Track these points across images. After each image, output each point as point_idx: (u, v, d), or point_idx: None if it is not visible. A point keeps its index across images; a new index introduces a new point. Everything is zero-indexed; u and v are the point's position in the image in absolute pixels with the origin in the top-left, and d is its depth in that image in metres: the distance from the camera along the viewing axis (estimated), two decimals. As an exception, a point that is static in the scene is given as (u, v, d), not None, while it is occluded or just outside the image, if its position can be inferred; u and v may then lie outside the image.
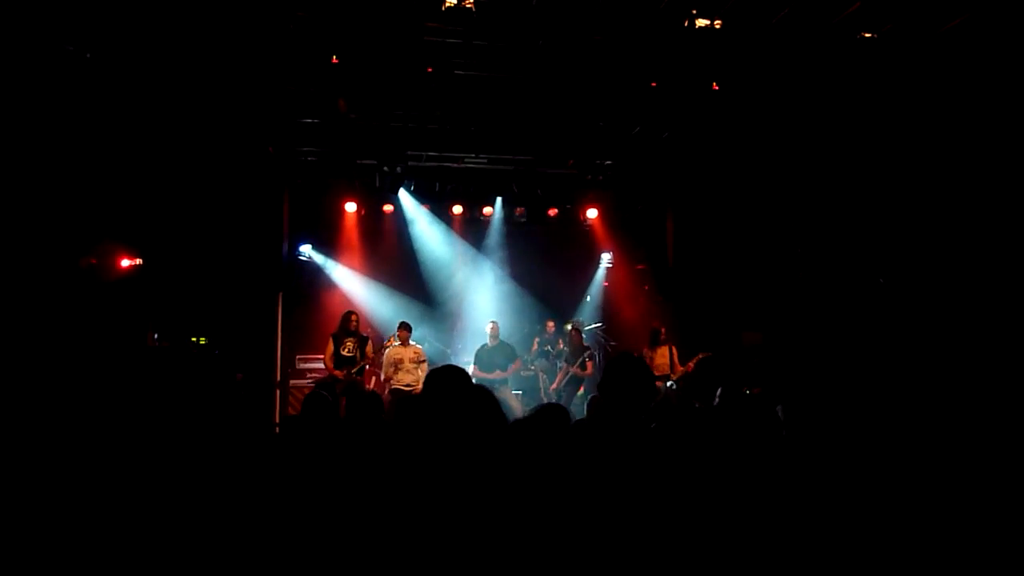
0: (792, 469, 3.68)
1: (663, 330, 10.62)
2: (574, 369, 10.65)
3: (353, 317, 9.96)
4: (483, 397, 2.92)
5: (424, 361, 10.27)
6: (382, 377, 10.49)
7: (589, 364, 10.91)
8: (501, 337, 10.72)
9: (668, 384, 10.22)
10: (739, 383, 9.79)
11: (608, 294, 13.28)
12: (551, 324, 11.97)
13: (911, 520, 3.24)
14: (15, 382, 7.26)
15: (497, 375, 10.27)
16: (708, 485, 3.02)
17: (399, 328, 10.32)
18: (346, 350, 9.74)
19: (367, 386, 10.67)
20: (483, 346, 10.63)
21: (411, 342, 10.31)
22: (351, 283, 12.24)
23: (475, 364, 10.49)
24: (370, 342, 10.02)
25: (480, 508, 2.35)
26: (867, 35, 7.91)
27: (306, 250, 11.94)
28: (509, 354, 10.61)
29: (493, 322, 10.73)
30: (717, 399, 5.55)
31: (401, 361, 10.15)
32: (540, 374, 11.46)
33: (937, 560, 3.04)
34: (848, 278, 10.30)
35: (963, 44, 7.87)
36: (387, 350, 10.24)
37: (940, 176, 9.18)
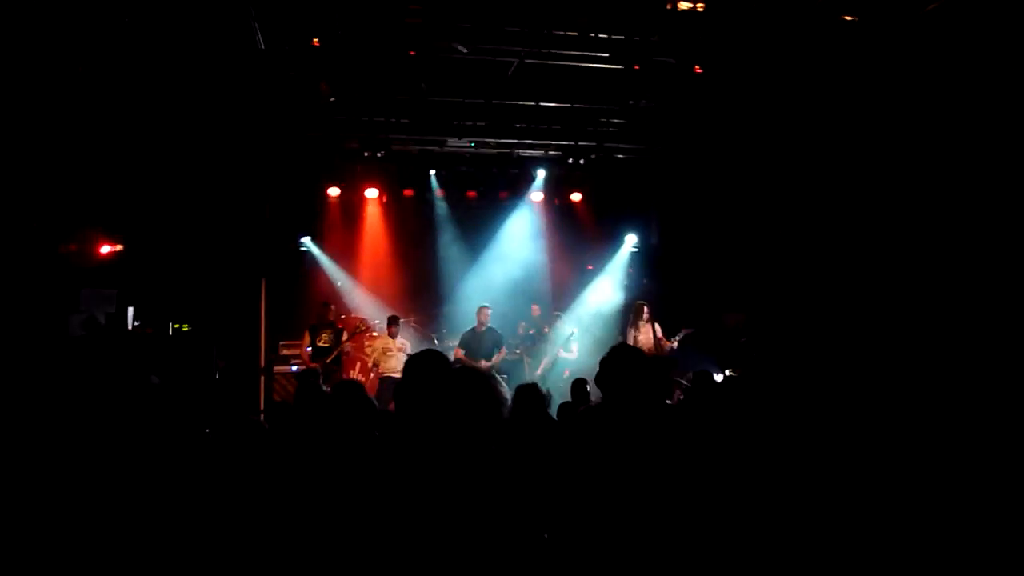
0: (773, 452, 3.72)
1: (646, 308, 10.54)
2: (561, 352, 10.69)
3: (330, 307, 9.96)
4: (470, 380, 2.91)
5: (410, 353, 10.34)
6: (369, 364, 10.49)
7: (574, 346, 10.93)
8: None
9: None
10: (720, 364, 9.86)
11: (591, 276, 13.31)
12: (536, 308, 11.98)
13: (895, 502, 3.29)
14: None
15: (482, 364, 10.22)
16: (693, 470, 3.05)
17: (388, 323, 10.43)
18: (322, 341, 9.77)
19: (347, 374, 10.66)
20: (471, 331, 10.58)
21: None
22: (334, 269, 12.20)
23: (461, 348, 10.46)
24: (345, 332, 10.02)
25: (472, 494, 2.36)
26: (849, 18, 7.93)
27: (286, 234, 11.87)
28: (496, 340, 10.59)
29: (485, 307, 10.66)
30: (687, 383, 5.60)
31: (389, 350, 10.26)
32: (525, 358, 11.48)
33: (916, 540, 3.09)
34: (831, 260, 10.37)
35: (945, 26, 7.92)
36: (376, 340, 10.28)
37: (924, 159, 9.25)
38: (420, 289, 12.46)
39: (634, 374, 3.14)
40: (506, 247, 12.68)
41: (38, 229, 8.44)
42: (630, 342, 10.47)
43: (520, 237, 12.72)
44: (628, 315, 10.82)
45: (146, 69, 8.45)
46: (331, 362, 9.66)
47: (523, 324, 12.01)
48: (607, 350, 3.38)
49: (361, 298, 12.08)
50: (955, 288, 8.70)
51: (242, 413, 9.80)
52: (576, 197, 12.89)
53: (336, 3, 7.62)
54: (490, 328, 10.60)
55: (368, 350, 10.63)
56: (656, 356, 10.07)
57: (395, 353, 10.23)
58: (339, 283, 12.06)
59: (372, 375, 10.44)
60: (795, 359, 9.84)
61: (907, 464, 3.73)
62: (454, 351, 10.42)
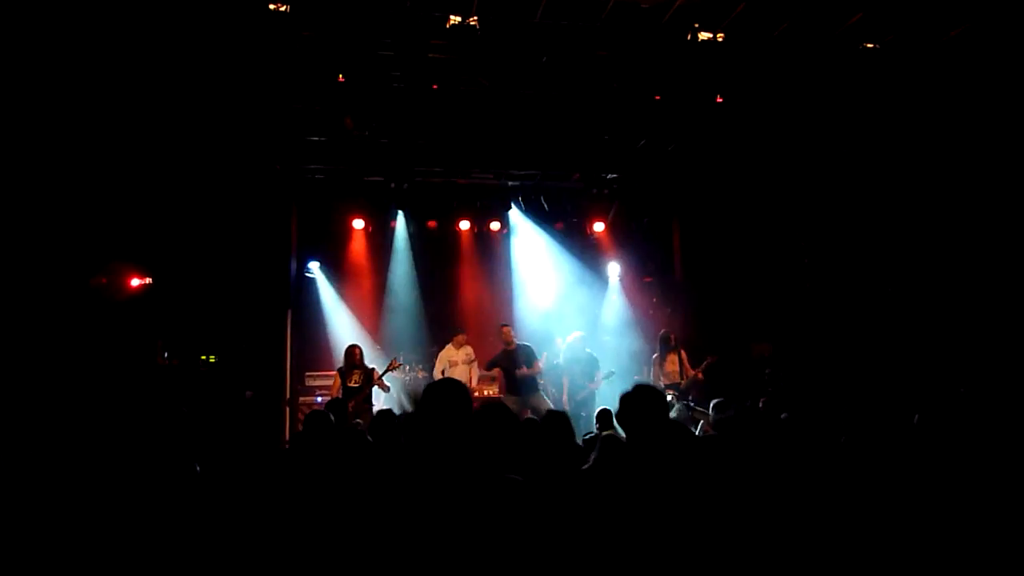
0: (800, 479, 3.67)
1: (673, 336, 10.37)
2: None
3: (356, 351, 9.92)
4: (487, 410, 2.91)
5: (474, 361, 10.71)
6: (435, 375, 10.59)
7: (598, 375, 10.80)
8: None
9: (670, 401, 9.95)
10: (750, 395, 9.72)
11: (616, 306, 13.26)
12: (559, 340, 11.92)
13: (920, 528, 3.23)
14: (28, 401, 7.31)
15: (524, 371, 10.11)
16: (718, 496, 3.02)
17: (454, 334, 10.82)
18: (352, 382, 9.70)
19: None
20: (502, 352, 10.43)
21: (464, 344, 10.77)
22: (358, 299, 12.29)
23: (495, 366, 10.43)
24: (375, 370, 10.01)
25: (488, 520, 2.35)
26: (870, 45, 7.94)
27: (314, 267, 12.01)
28: (529, 356, 10.38)
29: (505, 326, 10.61)
30: (731, 411, 5.55)
31: (455, 364, 10.51)
32: (548, 388, 11.39)
33: (940, 561, 3.03)
34: (856, 288, 10.27)
35: (965, 53, 7.90)
36: (442, 352, 10.71)
37: (946, 184, 9.18)
38: (441, 320, 12.44)
39: (655, 415, 3.14)
40: (527, 275, 12.73)
41: (70, 262, 8.60)
42: (656, 370, 10.33)
43: (541, 266, 12.75)
44: (656, 344, 10.62)
45: (178, 105, 8.66)
46: (362, 401, 9.65)
47: (546, 355, 11.95)
48: (631, 386, 3.37)
49: (384, 329, 12.13)
50: (991, 315, 8.58)
51: (267, 443, 9.85)
52: (599, 227, 12.90)
53: (360, 40, 7.77)
54: (521, 344, 10.49)
55: (436, 362, 10.77)
56: (682, 385, 9.95)
57: (459, 367, 10.45)
58: (362, 314, 12.13)
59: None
60: (821, 390, 9.71)
61: (936, 495, 3.65)
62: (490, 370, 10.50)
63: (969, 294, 8.82)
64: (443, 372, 10.59)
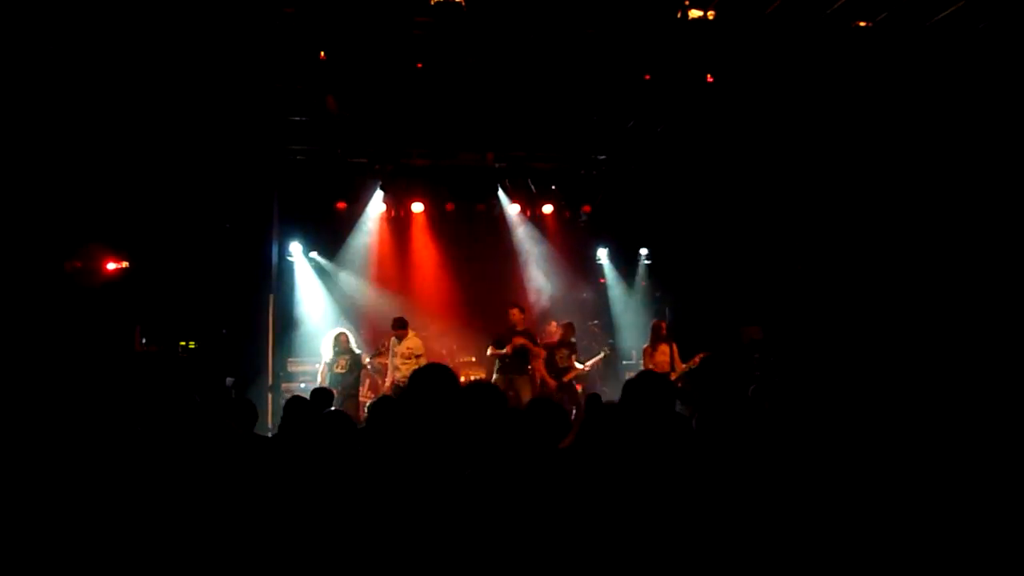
0: (790, 465, 3.58)
1: (664, 326, 10.29)
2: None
3: (342, 338, 9.74)
4: (477, 394, 2.81)
5: (421, 355, 9.93)
6: (388, 376, 10.20)
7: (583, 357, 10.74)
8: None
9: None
10: (740, 381, 9.64)
11: (604, 289, 13.19)
12: (553, 324, 11.84)
13: (913, 517, 3.15)
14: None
15: (508, 350, 9.91)
16: (708, 485, 2.92)
17: (393, 326, 10.08)
18: (340, 368, 9.56)
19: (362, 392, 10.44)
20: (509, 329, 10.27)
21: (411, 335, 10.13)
22: (342, 284, 12.14)
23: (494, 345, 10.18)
24: (363, 355, 9.85)
25: (480, 508, 2.25)
26: (862, 24, 7.83)
27: (294, 250, 11.82)
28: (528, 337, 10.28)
29: (516, 307, 10.39)
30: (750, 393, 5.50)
31: (395, 356, 9.97)
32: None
33: (937, 556, 2.95)
34: (847, 271, 10.22)
35: (960, 31, 7.82)
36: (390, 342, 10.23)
37: (938, 168, 9.11)
38: (430, 304, 12.31)
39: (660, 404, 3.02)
40: (515, 259, 12.61)
41: (43, 246, 8.38)
42: (645, 360, 10.22)
43: (530, 248, 12.64)
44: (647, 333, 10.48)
45: (154, 84, 8.43)
46: (349, 388, 9.51)
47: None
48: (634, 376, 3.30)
49: (369, 314, 11.99)
50: (971, 291, 8.57)
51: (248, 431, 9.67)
52: (587, 209, 12.78)
53: (343, 17, 7.57)
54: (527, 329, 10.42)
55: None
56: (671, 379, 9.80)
57: (397, 361, 9.87)
58: (346, 299, 11.97)
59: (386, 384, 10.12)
60: (813, 372, 9.66)
61: (929, 478, 3.58)
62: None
63: (961, 277, 8.79)
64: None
